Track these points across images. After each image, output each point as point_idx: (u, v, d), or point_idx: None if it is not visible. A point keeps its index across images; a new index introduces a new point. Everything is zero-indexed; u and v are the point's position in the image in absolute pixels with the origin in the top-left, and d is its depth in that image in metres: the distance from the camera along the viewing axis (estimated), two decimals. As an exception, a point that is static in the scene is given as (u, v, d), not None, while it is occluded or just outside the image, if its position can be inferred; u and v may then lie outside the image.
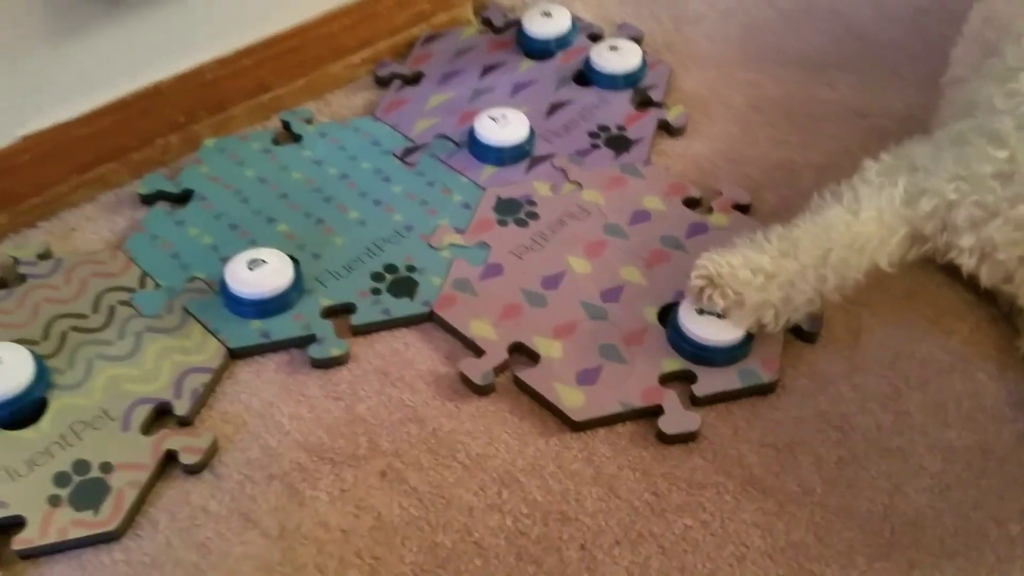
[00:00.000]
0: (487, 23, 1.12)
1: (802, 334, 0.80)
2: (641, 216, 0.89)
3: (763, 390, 0.76)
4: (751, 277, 0.75)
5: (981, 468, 0.72)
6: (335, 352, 0.79)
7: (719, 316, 0.76)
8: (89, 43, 0.88)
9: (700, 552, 0.68)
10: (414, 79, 1.05)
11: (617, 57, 1.02)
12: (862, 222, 0.78)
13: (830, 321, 0.81)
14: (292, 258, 0.84)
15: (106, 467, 0.71)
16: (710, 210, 0.90)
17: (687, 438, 0.74)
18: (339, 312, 0.82)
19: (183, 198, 0.92)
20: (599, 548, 0.68)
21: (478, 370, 0.77)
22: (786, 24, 1.13)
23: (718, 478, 0.72)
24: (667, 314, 0.80)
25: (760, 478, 0.72)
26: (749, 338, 0.77)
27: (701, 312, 0.77)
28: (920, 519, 0.69)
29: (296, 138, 0.98)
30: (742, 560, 0.67)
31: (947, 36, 0.96)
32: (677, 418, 0.74)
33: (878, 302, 0.83)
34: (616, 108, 1.00)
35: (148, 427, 0.74)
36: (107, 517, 0.69)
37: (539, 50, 1.07)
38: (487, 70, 1.05)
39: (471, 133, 0.95)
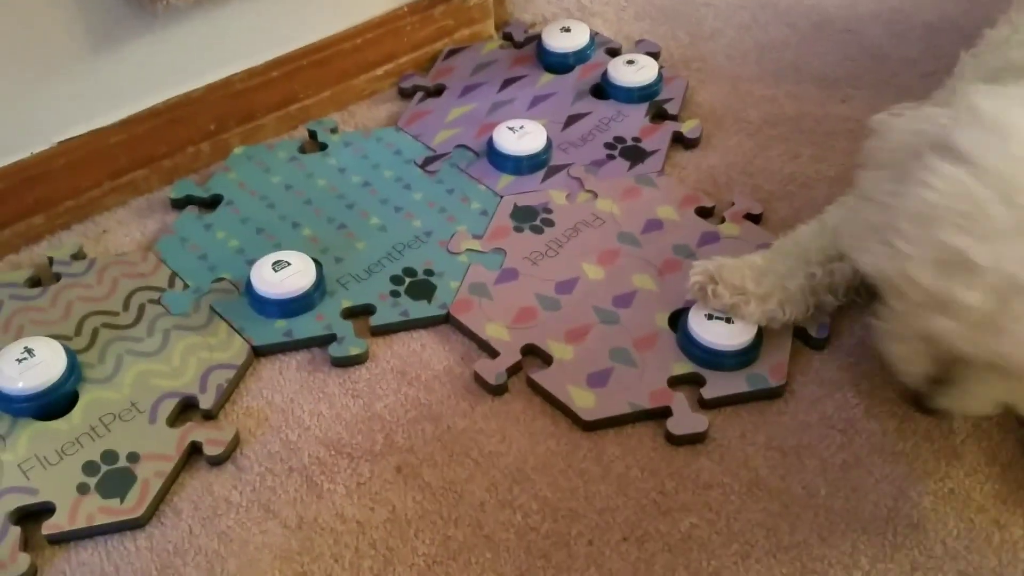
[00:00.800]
0: (508, 38, 1.15)
1: (810, 341, 0.81)
2: (654, 225, 0.91)
3: (771, 394, 0.78)
4: (747, 271, 0.78)
5: (986, 474, 0.73)
6: (355, 351, 0.81)
7: (728, 320, 0.78)
8: (126, 55, 0.91)
9: (705, 550, 0.69)
10: (436, 91, 1.08)
11: (634, 71, 1.05)
12: (831, 231, 0.81)
13: (838, 329, 0.83)
14: (315, 261, 0.86)
15: (133, 457, 0.74)
16: (722, 220, 0.92)
17: (695, 440, 0.75)
18: (359, 313, 0.85)
19: (212, 203, 0.95)
20: (606, 544, 0.70)
21: (492, 371, 0.79)
22: (801, 42, 1.15)
23: (724, 479, 0.73)
24: (678, 319, 0.82)
25: (766, 480, 0.73)
26: (757, 343, 0.79)
27: (711, 317, 0.79)
28: (923, 522, 0.70)
29: (322, 147, 1.01)
30: (746, 559, 0.69)
31: (958, 54, 0.97)
32: (685, 420, 0.75)
33: (886, 311, 0.84)
34: (632, 121, 1.02)
35: (174, 420, 0.77)
36: (133, 505, 0.71)
37: (558, 64, 1.09)
38: (507, 83, 1.08)
39: (490, 143, 0.98)
